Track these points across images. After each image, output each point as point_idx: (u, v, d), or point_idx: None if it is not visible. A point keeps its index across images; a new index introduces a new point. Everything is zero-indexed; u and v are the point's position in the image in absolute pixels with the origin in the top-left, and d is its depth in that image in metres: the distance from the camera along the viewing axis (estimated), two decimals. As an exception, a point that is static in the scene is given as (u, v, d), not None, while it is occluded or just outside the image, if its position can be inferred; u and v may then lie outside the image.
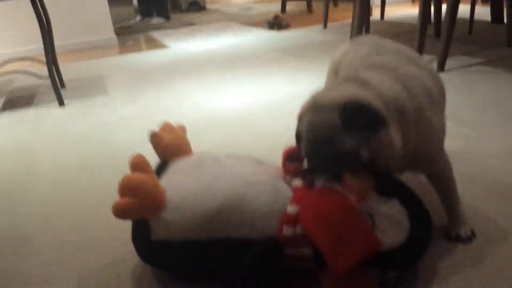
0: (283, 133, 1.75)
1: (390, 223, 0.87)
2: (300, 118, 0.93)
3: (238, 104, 2.24)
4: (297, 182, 0.98)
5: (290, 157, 1.03)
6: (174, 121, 1.20)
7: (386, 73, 0.96)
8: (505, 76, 2.17)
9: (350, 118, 0.86)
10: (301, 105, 0.94)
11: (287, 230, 0.89)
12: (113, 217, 1.23)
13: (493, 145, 1.47)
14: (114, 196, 1.28)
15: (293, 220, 0.89)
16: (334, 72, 1.19)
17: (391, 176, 0.97)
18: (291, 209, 0.91)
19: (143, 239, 0.95)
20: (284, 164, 1.02)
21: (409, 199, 0.92)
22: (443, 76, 2.23)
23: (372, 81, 0.93)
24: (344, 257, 0.82)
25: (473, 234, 1.03)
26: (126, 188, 0.91)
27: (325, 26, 4.26)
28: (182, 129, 1.17)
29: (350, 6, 4.76)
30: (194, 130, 1.84)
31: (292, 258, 0.89)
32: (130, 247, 1.07)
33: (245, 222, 0.90)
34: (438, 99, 1.01)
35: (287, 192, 0.95)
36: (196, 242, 0.91)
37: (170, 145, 1.08)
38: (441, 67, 2.31)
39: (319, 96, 0.92)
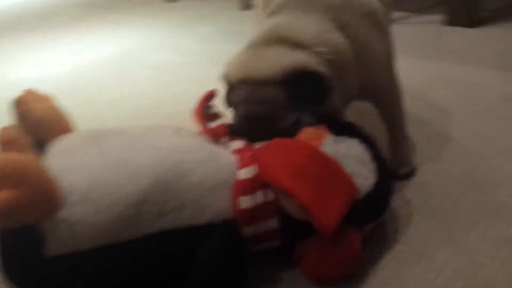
0: (133, 96, 1.56)
1: (358, 165, 0.76)
2: (229, 84, 0.86)
3: (59, 70, 1.91)
4: (237, 144, 0.79)
5: (208, 116, 0.84)
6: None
7: (313, 15, 0.86)
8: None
9: (296, 92, 0.80)
10: (227, 66, 0.87)
11: (245, 201, 0.70)
12: None
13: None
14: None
15: (250, 186, 0.71)
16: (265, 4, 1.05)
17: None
18: (244, 173, 0.72)
19: (29, 261, 0.64)
20: (204, 126, 0.83)
21: (367, 139, 0.82)
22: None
23: (302, 37, 0.83)
24: (330, 209, 0.68)
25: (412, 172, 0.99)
26: (1, 175, 0.59)
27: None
28: (51, 99, 0.85)
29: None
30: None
31: (253, 238, 0.71)
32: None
33: (187, 201, 0.68)
34: (381, 15, 0.94)
35: (229, 157, 0.76)
36: (119, 247, 0.65)
37: (44, 119, 0.77)
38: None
39: (251, 65, 0.83)
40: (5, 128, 0.66)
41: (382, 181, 0.77)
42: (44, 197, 0.62)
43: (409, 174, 0.98)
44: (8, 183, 0.59)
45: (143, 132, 0.78)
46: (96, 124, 1.32)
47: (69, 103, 1.52)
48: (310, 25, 0.84)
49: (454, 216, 0.85)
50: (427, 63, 1.56)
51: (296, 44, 0.82)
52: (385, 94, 0.97)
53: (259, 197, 0.70)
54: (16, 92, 1.58)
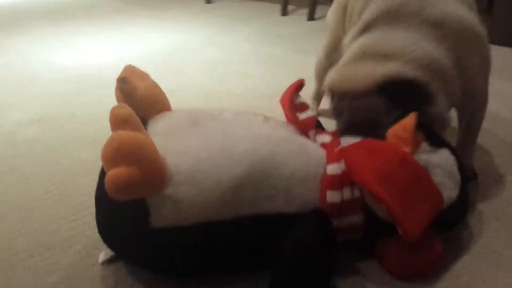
0: (190, 88, 1.60)
1: (446, 176, 0.79)
2: (333, 95, 0.93)
3: (110, 60, 1.95)
4: (325, 138, 0.82)
5: (296, 106, 0.87)
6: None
7: (404, 30, 0.90)
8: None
9: (393, 98, 0.84)
10: (329, 79, 0.93)
11: (332, 196, 0.74)
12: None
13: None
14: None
15: (338, 182, 0.74)
16: (343, 8, 1.15)
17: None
18: (332, 169, 0.76)
19: (135, 230, 0.70)
20: (293, 116, 0.84)
21: (455, 152, 0.84)
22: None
23: (393, 48, 0.88)
24: (416, 218, 0.71)
25: (475, 176, 1.03)
26: (120, 152, 0.64)
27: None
28: (150, 77, 0.89)
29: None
30: (64, 97, 1.50)
31: (337, 231, 0.74)
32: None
33: (279, 190, 0.73)
34: (477, 28, 0.94)
35: (318, 150, 0.80)
36: (218, 225, 0.70)
37: (147, 97, 0.81)
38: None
39: (349, 80, 0.90)
40: (117, 107, 0.70)
41: (464, 194, 0.81)
42: (155, 175, 0.67)
43: (472, 178, 1.01)
44: (125, 160, 0.64)
45: (235, 117, 0.83)
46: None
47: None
48: (400, 37, 0.89)
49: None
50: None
51: (387, 56, 0.87)
52: (477, 102, 1.00)
53: (346, 193, 0.74)
54: (79, 77, 1.61)
